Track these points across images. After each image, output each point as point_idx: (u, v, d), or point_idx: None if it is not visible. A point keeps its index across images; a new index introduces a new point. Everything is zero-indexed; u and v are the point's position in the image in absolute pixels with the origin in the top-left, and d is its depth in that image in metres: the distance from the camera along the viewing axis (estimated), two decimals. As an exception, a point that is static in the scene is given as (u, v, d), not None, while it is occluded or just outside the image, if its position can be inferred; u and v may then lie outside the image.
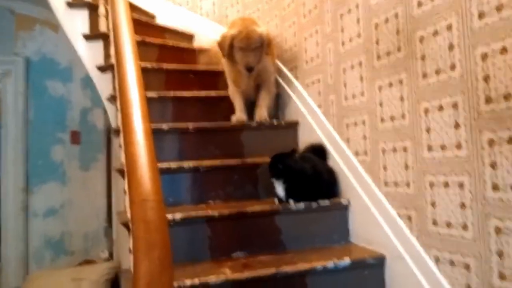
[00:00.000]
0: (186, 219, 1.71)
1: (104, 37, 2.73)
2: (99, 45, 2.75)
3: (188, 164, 2.01)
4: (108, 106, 2.68)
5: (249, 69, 2.25)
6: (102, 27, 2.73)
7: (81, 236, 4.16)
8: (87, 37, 2.77)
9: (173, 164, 1.99)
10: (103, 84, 2.69)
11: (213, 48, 2.82)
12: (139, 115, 1.33)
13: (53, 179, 4.13)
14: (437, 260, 1.45)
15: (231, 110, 2.42)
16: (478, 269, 1.29)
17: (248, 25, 2.26)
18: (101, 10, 2.74)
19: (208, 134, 2.23)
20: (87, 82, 3.99)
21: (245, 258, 1.72)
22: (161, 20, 3.57)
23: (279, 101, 2.63)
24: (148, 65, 2.55)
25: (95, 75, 2.72)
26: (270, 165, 1.89)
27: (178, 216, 1.69)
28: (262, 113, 2.37)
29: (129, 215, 1.19)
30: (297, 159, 1.92)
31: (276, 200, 1.90)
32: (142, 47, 2.57)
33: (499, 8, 1.20)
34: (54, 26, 4.03)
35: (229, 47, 2.26)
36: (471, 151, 1.30)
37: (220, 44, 2.31)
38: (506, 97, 1.18)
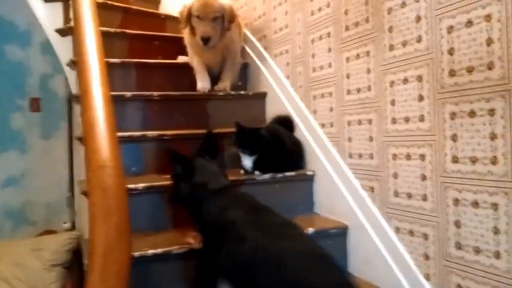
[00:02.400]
0: (150, 188, 1.67)
1: (64, -2, 2.59)
2: (58, 6, 2.60)
3: (152, 133, 1.96)
4: (69, 72, 2.56)
5: (205, 40, 2.13)
6: (62, -13, 2.58)
7: (43, 206, 4.05)
8: (46, -2, 2.62)
9: (136, 133, 1.93)
10: (63, 48, 2.55)
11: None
12: (98, 80, 1.27)
13: (13, 147, 3.97)
14: (397, 230, 1.48)
15: (197, 79, 2.35)
16: (435, 238, 1.33)
17: None
18: (60, -32, 2.57)
19: (173, 103, 2.17)
20: (48, 47, 3.79)
21: (209, 228, 1.71)
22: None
23: (247, 72, 2.58)
24: (111, 29, 2.44)
25: (54, 39, 2.58)
26: (236, 136, 1.86)
27: (141, 185, 1.65)
28: (223, 84, 2.33)
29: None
30: (264, 131, 1.90)
31: (242, 171, 1.89)
32: (104, 10, 2.45)
33: (467, -20, 1.19)
34: (11, -15, 3.80)
35: (187, 16, 2.16)
36: (433, 123, 1.32)
37: (180, 14, 2.21)
38: (469, 70, 1.19)
